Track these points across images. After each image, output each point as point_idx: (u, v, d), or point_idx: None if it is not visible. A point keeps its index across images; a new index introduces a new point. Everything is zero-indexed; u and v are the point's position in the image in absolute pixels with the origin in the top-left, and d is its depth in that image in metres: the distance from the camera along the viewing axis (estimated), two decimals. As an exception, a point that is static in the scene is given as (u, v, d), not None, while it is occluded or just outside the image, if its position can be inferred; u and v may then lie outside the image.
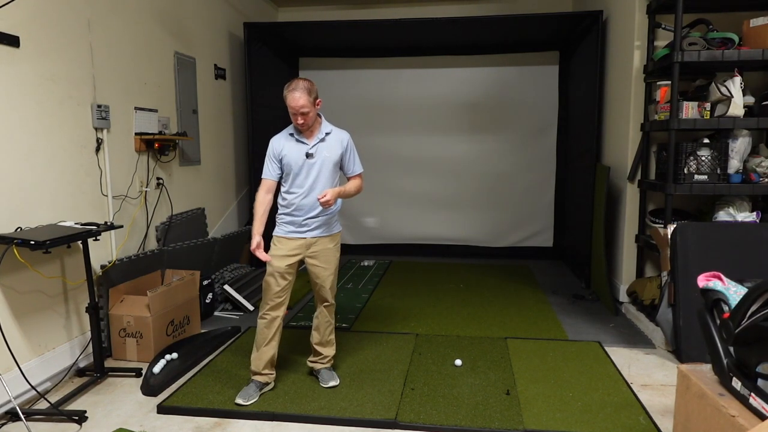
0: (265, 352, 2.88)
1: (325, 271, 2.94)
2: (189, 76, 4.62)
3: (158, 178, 4.13)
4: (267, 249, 2.86)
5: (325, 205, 2.73)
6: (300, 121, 2.76)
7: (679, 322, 3.31)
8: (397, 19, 5.26)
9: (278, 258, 2.84)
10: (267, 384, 2.94)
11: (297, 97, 2.71)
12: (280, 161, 2.86)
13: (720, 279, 2.23)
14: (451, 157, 6.32)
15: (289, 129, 2.90)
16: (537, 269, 5.79)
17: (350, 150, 2.96)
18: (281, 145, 2.86)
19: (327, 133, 2.88)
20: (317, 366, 3.08)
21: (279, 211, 2.92)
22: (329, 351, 3.09)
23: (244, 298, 4.41)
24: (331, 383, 2.99)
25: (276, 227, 2.93)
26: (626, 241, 4.36)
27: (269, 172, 2.88)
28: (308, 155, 2.82)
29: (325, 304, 3.02)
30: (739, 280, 2.27)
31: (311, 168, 2.83)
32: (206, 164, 4.97)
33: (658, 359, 3.41)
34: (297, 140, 2.85)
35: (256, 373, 2.91)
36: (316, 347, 3.06)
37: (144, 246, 3.95)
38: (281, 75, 6.23)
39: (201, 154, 4.85)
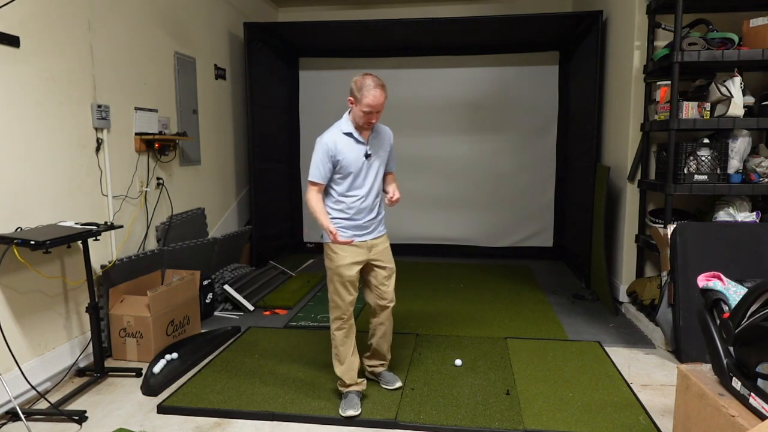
0: (353, 362, 2.80)
1: (390, 270, 2.88)
2: (189, 76, 4.62)
3: (158, 178, 4.13)
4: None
5: (396, 203, 2.74)
6: (373, 120, 2.61)
7: (679, 322, 3.31)
8: (397, 19, 5.27)
9: (347, 267, 2.69)
10: (361, 392, 2.85)
11: (379, 95, 2.54)
12: (336, 163, 2.65)
13: (720, 279, 2.23)
14: (451, 157, 6.32)
15: (342, 128, 2.68)
16: (537, 269, 5.79)
17: (392, 146, 2.88)
18: (338, 144, 2.63)
19: (375, 131, 2.76)
20: (379, 369, 3.03)
21: (332, 216, 2.71)
22: (390, 354, 3.06)
23: (244, 298, 4.41)
24: (397, 384, 2.97)
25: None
26: (626, 241, 4.36)
27: (322, 174, 2.65)
28: (367, 156, 2.69)
29: (391, 305, 2.92)
30: (739, 280, 2.27)
31: (370, 169, 2.71)
32: (206, 164, 4.97)
33: (658, 359, 3.41)
34: (356, 140, 2.67)
35: (351, 385, 2.81)
36: (386, 354, 3.00)
37: (144, 246, 3.95)
38: (281, 75, 6.25)
39: (201, 154, 4.85)
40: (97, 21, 3.43)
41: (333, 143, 2.64)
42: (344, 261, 2.70)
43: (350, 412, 2.68)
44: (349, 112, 2.70)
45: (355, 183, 2.70)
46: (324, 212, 2.68)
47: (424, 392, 2.92)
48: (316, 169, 2.66)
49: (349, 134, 2.67)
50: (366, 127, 2.65)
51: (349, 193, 2.70)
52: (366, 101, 2.54)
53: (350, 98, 2.62)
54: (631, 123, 4.24)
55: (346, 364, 2.79)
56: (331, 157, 2.64)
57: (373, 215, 2.77)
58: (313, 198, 2.69)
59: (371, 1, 6.50)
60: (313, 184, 2.69)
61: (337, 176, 2.69)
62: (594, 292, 4.78)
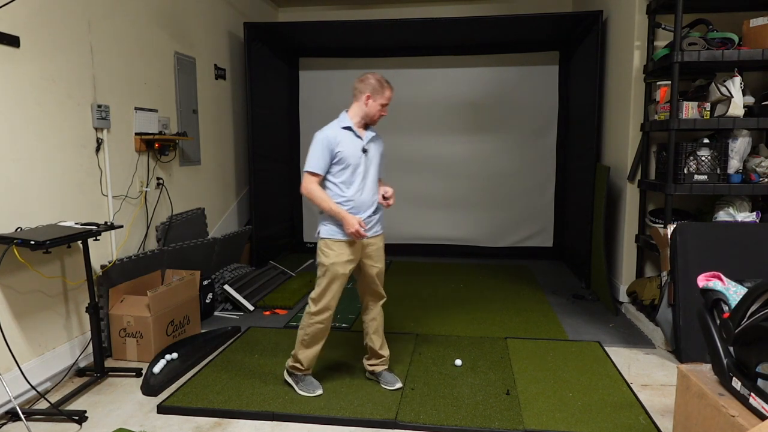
0: (317, 350, 2.91)
1: (380, 269, 2.93)
2: (189, 76, 4.62)
3: (158, 178, 4.13)
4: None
5: (391, 200, 2.85)
6: (384, 113, 2.80)
7: (679, 322, 3.31)
8: (397, 19, 5.27)
9: (343, 264, 2.76)
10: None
11: (391, 88, 2.80)
12: (335, 155, 2.72)
13: (720, 279, 2.23)
14: (451, 157, 6.32)
15: (342, 123, 2.78)
16: (537, 269, 5.79)
17: (383, 155, 2.96)
18: (338, 137, 2.72)
19: (373, 133, 2.89)
20: (378, 368, 3.03)
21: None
22: (387, 350, 3.06)
23: (244, 298, 4.41)
24: (397, 385, 2.97)
25: (328, 228, 2.78)
26: (626, 241, 4.37)
27: (321, 165, 2.72)
28: (364, 150, 2.78)
29: (382, 301, 3.00)
30: (739, 280, 2.27)
31: (367, 164, 2.79)
32: (206, 164, 4.97)
33: (658, 359, 3.41)
34: (354, 134, 2.77)
35: (307, 369, 2.95)
36: (380, 351, 3.01)
37: (144, 246, 3.95)
38: (281, 75, 6.25)
39: (201, 154, 4.85)
40: (97, 21, 3.42)
41: (333, 135, 2.74)
42: (341, 258, 2.76)
43: (319, 392, 2.89)
44: (347, 111, 2.82)
45: (354, 175, 2.77)
46: (333, 201, 2.73)
47: (424, 392, 2.92)
48: (315, 160, 2.73)
49: (348, 128, 2.78)
50: (377, 120, 2.81)
51: (349, 186, 2.76)
52: (387, 94, 2.77)
53: (368, 94, 2.75)
54: (631, 123, 4.24)
55: (312, 350, 2.89)
56: (330, 149, 2.72)
57: (371, 212, 2.83)
58: (317, 188, 2.74)
59: (371, 1, 6.50)
60: (313, 174, 2.74)
61: (335, 168, 2.75)
62: (594, 292, 4.78)
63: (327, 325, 2.87)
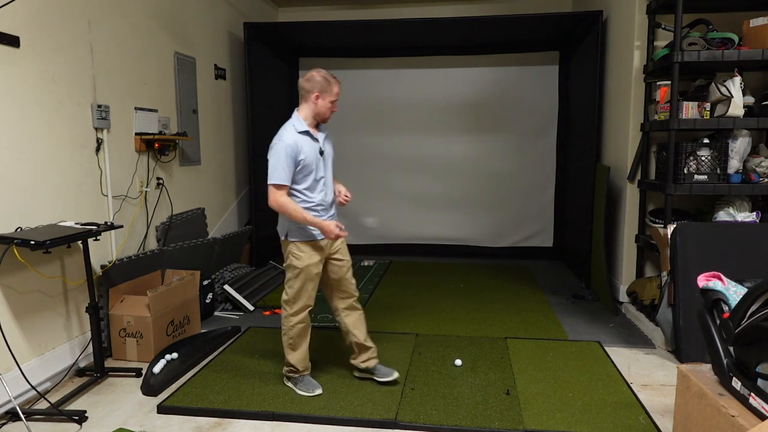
0: (306, 350, 2.94)
1: (348, 263, 2.95)
2: (189, 76, 4.62)
3: (158, 178, 4.13)
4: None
5: (348, 201, 2.88)
6: (335, 109, 2.80)
7: (679, 322, 3.31)
8: (397, 19, 5.27)
9: (316, 264, 2.81)
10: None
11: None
12: (298, 162, 2.69)
13: (720, 279, 2.23)
14: (451, 157, 6.32)
15: (297, 127, 2.73)
16: (537, 269, 5.79)
17: (334, 147, 2.98)
18: (299, 143, 2.69)
19: (325, 132, 2.90)
20: (372, 363, 3.01)
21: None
22: (372, 342, 3.04)
23: (244, 298, 4.41)
24: (394, 375, 2.97)
25: (297, 232, 2.78)
26: (626, 241, 4.37)
27: (288, 176, 2.67)
28: (321, 152, 2.80)
29: (354, 298, 2.99)
30: (739, 280, 2.27)
31: (325, 165, 2.82)
32: (206, 164, 4.97)
33: (658, 359, 3.41)
34: (312, 138, 2.76)
35: (303, 371, 2.96)
36: (365, 343, 2.98)
37: (144, 246, 3.95)
38: (281, 75, 6.25)
39: (201, 154, 4.85)
40: (97, 21, 3.43)
41: (294, 143, 2.69)
42: (313, 260, 2.79)
43: (318, 391, 2.88)
44: (298, 111, 2.81)
45: (317, 180, 2.79)
46: (307, 212, 2.72)
47: (424, 392, 2.92)
48: (282, 171, 2.66)
49: (305, 132, 2.75)
50: (329, 117, 2.81)
51: (315, 191, 2.78)
52: (335, 90, 2.75)
53: (316, 93, 2.72)
54: (631, 123, 4.24)
55: (301, 350, 2.91)
56: (294, 157, 2.68)
57: (332, 212, 2.88)
58: (287, 201, 2.70)
59: (371, 1, 6.50)
60: (280, 187, 2.68)
61: (299, 176, 2.73)
62: (594, 292, 4.78)
63: (308, 322, 2.90)
